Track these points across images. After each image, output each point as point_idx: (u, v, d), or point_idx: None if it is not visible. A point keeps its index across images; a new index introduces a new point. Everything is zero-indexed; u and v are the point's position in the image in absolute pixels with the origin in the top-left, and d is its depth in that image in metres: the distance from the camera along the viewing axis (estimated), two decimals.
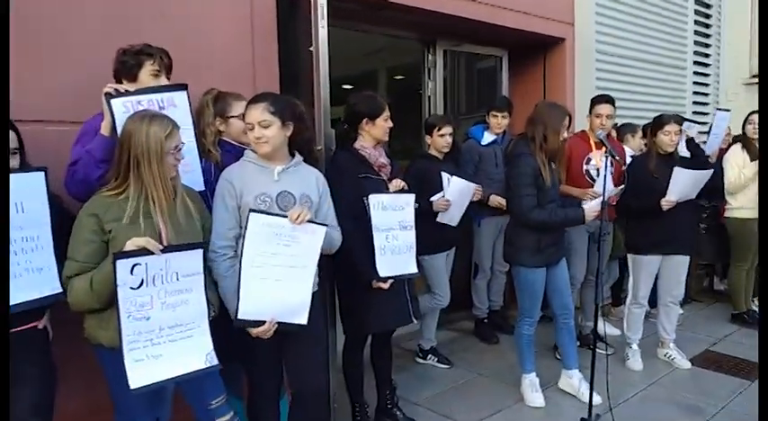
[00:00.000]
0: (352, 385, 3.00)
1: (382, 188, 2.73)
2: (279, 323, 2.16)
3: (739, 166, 4.47)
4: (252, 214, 2.09)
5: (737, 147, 4.56)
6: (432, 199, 3.45)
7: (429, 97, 4.65)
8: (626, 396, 3.41)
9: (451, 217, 3.58)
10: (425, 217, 3.27)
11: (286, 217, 2.12)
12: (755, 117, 4.46)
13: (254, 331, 2.14)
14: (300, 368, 2.35)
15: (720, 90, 6.79)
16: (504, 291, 4.64)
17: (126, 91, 2.09)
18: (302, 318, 2.21)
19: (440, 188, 3.49)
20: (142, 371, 1.84)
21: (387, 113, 2.81)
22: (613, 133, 4.35)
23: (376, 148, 2.84)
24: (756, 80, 6.71)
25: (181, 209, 2.03)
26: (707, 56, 6.58)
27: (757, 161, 4.34)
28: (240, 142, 2.50)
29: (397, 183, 2.76)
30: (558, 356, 3.68)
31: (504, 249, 3.31)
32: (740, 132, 4.64)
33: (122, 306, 1.80)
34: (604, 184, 2.80)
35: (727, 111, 4.76)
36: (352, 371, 3.00)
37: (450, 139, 3.64)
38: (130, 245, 1.81)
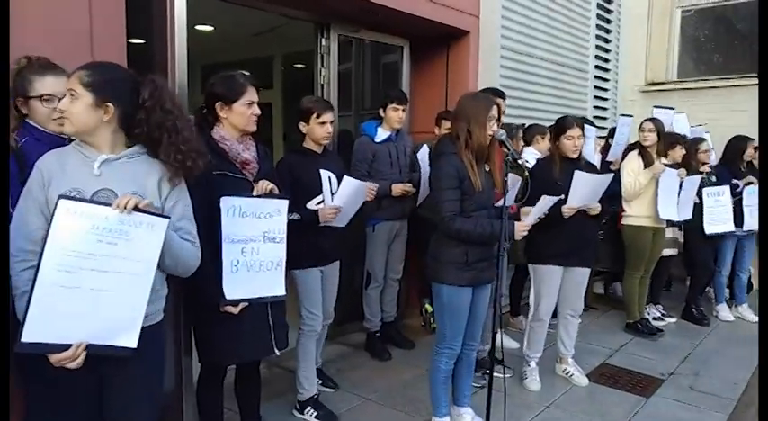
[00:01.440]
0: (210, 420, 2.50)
1: (245, 189, 2.24)
2: (92, 346, 1.64)
3: (635, 173, 4.38)
4: (61, 201, 1.58)
5: (634, 153, 4.47)
6: (312, 206, 2.93)
7: (322, 86, 4.18)
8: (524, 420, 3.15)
9: (338, 221, 3.09)
10: (298, 224, 2.81)
11: (109, 206, 1.62)
12: (647, 125, 4.40)
13: (55, 358, 1.61)
14: (122, 405, 1.79)
15: (618, 96, 6.84)
16: (397, 300, 4.29)
17: None
18: (129, 340, 1.69)
19: (318, 191, 2.99)
20: None
21: (250, 97, 2.31)
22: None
23: (242, 141, 2.34)
24: (653, 88, 6.84)
25: None
26: (607, 61, 6.59)
27: (651, 167, 4.27)
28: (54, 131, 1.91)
29: (264, 184, 2.25)
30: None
31: (428, 264, 2.80)
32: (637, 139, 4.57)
33: None
34: (505, 191, 2.45)
35: (630, 116, 4.74)
36: (207, 406, 2.49)
37: (331, 129, 3.05)
38: None
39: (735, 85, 6.42)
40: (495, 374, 2.54)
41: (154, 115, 1.77)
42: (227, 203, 2.12)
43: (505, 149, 2.55)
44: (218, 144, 2.27)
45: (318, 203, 2.96)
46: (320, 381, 3.43)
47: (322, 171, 3.01)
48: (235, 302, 2.17)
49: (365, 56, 4.91)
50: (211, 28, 6.08)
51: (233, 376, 2.60)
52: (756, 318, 5.09)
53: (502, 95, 3.53)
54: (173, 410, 2.62)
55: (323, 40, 4.14)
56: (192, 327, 2.41)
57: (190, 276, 2.13)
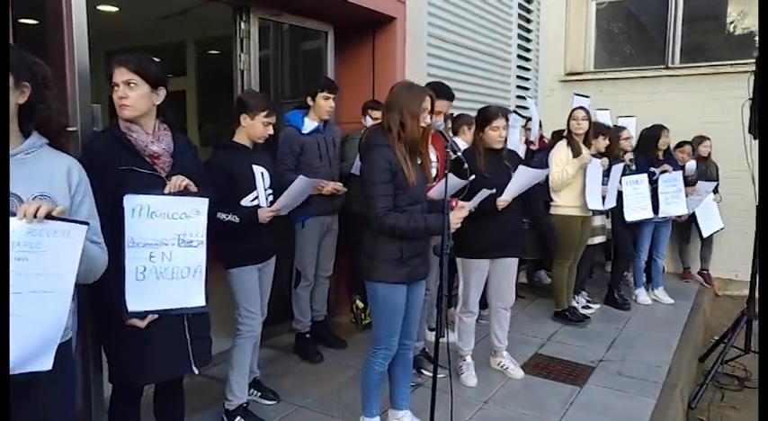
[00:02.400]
0: None
1: (156, 187, 1.97)
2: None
3: (563, 163, 4.39)
4: None
5: (562, 143, 4.48)
6: (246, 203, 2.72)
7: (242, 72, 3.89)
8: (463, 419, 3.05)
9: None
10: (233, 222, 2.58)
11: (14, 215, 1.36)
12: (580, 113, 4.41)
13: None
14: None
15: (540, 85, 6.94)
16: (327, 298, 4.10)
17: None
18: (45, 363, 1.44)
19: (251, 187, 2.78)
20: None
21: (114, 79, 1.99)
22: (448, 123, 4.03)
23: (154, 132, 2.06)
24: (571, 78, 7.00)
25: None
26: (528, 51, 6.66)
27: (578, 158, 4.31)
28: None
29: (178, 181, 1.98)
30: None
31: (361, 262, 2.63)
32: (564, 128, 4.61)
33: None
34: (446, 184, 2.32)
35: (533, 98, 4.87)
36: None
37: (272, 130, 2.89)
38: None
39: (646, 77, 6.67)
40: (428, 374, 2.40)
41: (48, 101, 1.52)
42: (131, 202, 1.85)
43: (444, 140, 2.41)
44: (125, 136, 1.99)
45: (253, 200, 2.77)
46: (258, 394, 3.18)
47: (255, 166, 2.81)
48: (141, 315, 1.91)
49: (287, 42, 4.65)
50: (116, 8, 5.60)
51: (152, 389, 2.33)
52: (672, 301, 5.32)
53: (450, 96, 3.39)
54: None
55: (242, 23, 3.85)
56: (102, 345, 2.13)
57: (95, 286, 1.88)
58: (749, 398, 3.87)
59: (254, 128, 2.82)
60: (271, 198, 2.88)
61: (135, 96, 1.99)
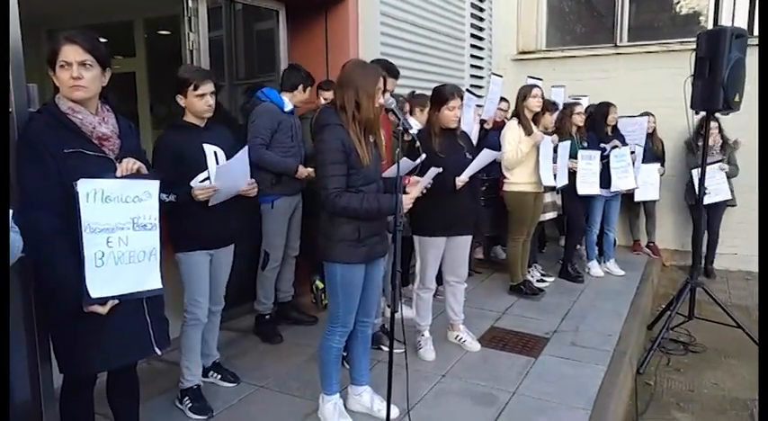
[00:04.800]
0: None
1: (106, 170, 1.93)
2: None
3: (516, 142, 4.46)
4: None
5: (513, 123, 4.54)
6: (195, 183, 2.65)
7: (191, 52, 3.80)
8: (422, 392, 3.13)
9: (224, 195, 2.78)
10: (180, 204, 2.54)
11: None
12: (537, 90, 4.48)
13: None
14: None
15: (493, 64, 7.00)
16: (294, 279, 4.10)
17: None
18: None
19: (202, 167, 2.72)
20: None
21: (63, 57, 1.90)
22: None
23: (98, 113, 2.01)
24: (524, 57, 7.09)
25: None
26: (481, 30, 6.69)
27: (531, 136, 4.39)
28: None
29: (130, 163, 1.95)
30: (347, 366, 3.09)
31: (319, 243, 2.62)
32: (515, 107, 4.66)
33: None
34: (398, 163, 2.34)
35: (500, 76, 4.89)
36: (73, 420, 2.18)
37: (212, 101, 2.76)
38: None
39: (596, 55, 6.81)
40: (392, 350, 2.45)
41: None
42: (85, 186, 1.81)
43: (395, 119, 2.42)
44: (68, 117, 1.92)
45: (204, 180, 2.68)
46: (218, 376, 3.18)
47: (206, 146, 2.74)
48: (102, 301, 1.88)
49: (238, 21, 4.57)
50: None
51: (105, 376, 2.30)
52: (623, 272, 5.51)
53: (396, 74, 3.39)
54: None
55: (189, 1, 3.75)
56: (50, 334, 2.08)
57: (46, 274, 1.84)
58: (693, 361, 4.07)
59: (192, 105, 2.73)
60: None
61: (89, 77, 1.93)
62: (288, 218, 3.79)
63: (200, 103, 2.72)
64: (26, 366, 2.20)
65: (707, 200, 4.82)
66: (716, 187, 5.51)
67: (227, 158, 2.76)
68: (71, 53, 1.90)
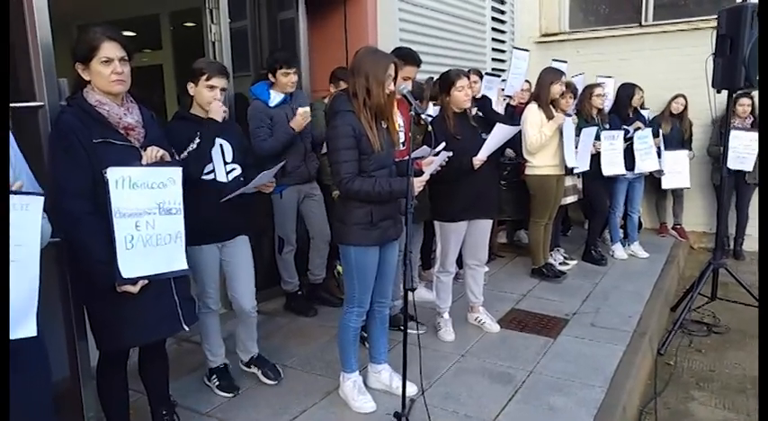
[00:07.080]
0: (114, 412, 2.35)
1: (132, 158, 2.05)
2: None
3: (538, 126, 4.46)
4: None
5: (534, 107, 4.53)
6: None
7: (213, 44, 3.91)
8: (440, 371, 3.21)
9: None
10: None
11: None
12: (563, 79, 4.46)
13: None
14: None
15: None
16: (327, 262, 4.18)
17: None
18: (27, 329, 1.53)
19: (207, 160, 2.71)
20: None
21: (105, 53, 2.02)
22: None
23: (122, 104, 2.13)
24: (547, 39, 7.03)
25: None
26: (503, 13, 6.67)
27: (554, 119, 4.39)
28: None
29: (154, 151, 2.08)
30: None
31: (334, 227, 2.74)
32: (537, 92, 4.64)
33: None
34: (410, 147, 2.41)
35: (526, 50, 4.86)
36: (110, 395, 2.34)
37: (219, 96, 2.72)
38: None
39: (620, 35, 6.72)
40: (409, 331, 2.54)
41: None
42: (114, 174, 1.93)
43: (409, 104, 2.49)
44: (96, 109, 2.05)
45: (208, 173, 2.71)
46: (260, 370, 3.15)
47: (217, 139, 2.74)
48: (133, 281, 2.01)
49: (259, 11, 4.65)
50: None
51: (137, 355, 2.46)
52: (647, 255, 5.48)
53: (417, 62, 3.36)
54: (70, 399, 2.44)
55: None
56: (87, 313, 2.23)
57: (81, 257, 1.97)
58: (716, 342, 4.07)
59: (200, 94, 2.71)
60: (236, 173, 2.81)
61: (127, 72, 2.10)
62: (296, 205, 3.87)
63: (208, 93, 2.69)
64: (65, 343, 2.36)
65: (732, 164, 4.70)
66: (743, 156, 5.36)
67: (233, 154, 2.80)
68: (112, 49, 2.04)
